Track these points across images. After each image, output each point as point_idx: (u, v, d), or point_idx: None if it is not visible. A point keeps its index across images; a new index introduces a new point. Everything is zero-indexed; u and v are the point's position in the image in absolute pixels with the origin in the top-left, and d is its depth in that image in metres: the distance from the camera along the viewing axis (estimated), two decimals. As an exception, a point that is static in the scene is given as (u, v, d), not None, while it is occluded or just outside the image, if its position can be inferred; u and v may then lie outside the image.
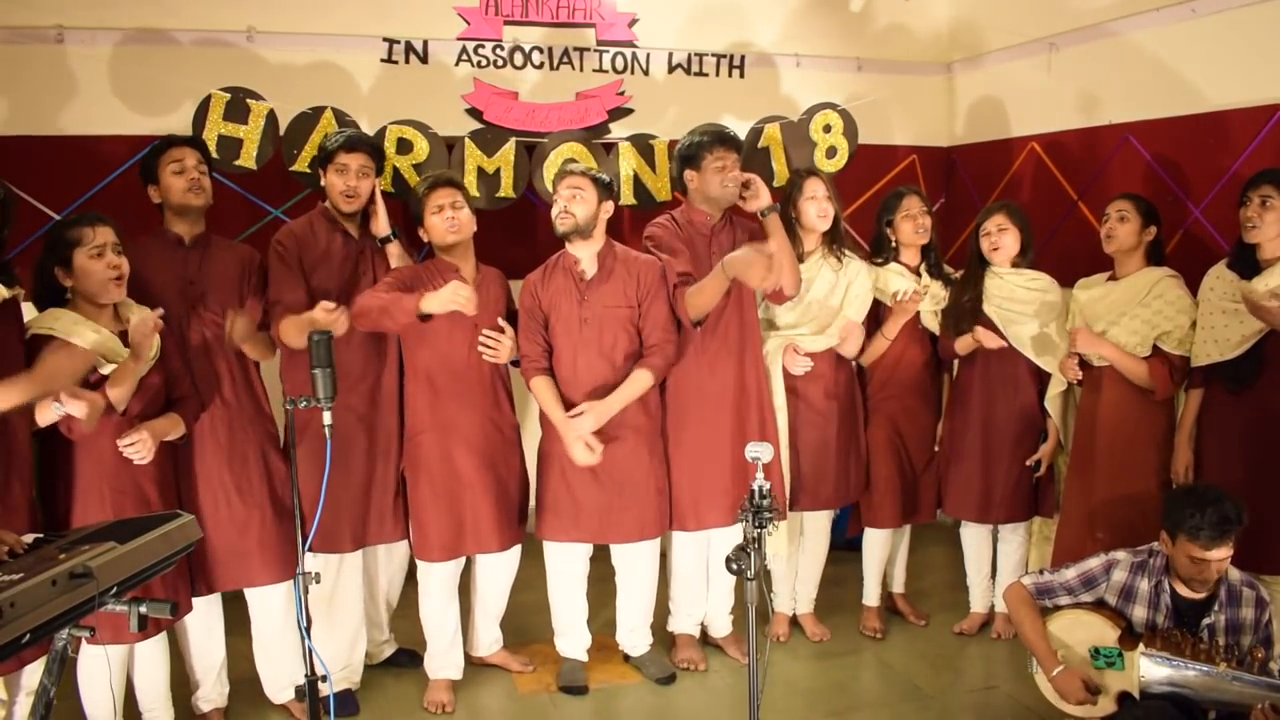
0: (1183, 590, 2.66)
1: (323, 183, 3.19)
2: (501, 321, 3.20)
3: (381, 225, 3.23)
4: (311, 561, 3.06)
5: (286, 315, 2.99)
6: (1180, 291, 3.20)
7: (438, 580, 3.24)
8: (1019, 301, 3.51)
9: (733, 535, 3.47)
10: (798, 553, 3.74)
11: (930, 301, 3.64)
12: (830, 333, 3.52)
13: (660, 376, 3.25)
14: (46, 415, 2.48)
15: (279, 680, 3.16)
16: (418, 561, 3.27)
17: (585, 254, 3.24)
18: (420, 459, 3.16)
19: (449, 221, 3.11)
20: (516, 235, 4.16)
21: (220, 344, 2.96)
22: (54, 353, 2.35)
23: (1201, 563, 2.53)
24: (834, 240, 3.56)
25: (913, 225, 3.61)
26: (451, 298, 2.93)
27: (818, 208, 3.49)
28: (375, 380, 3.18)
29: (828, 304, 3.53)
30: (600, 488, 3.24)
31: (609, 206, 3.25)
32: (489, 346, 3.15)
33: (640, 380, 3.20)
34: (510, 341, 3.19)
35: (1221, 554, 2.53)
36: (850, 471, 3.65)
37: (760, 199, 3.30)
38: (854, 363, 3.68)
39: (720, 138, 3.34)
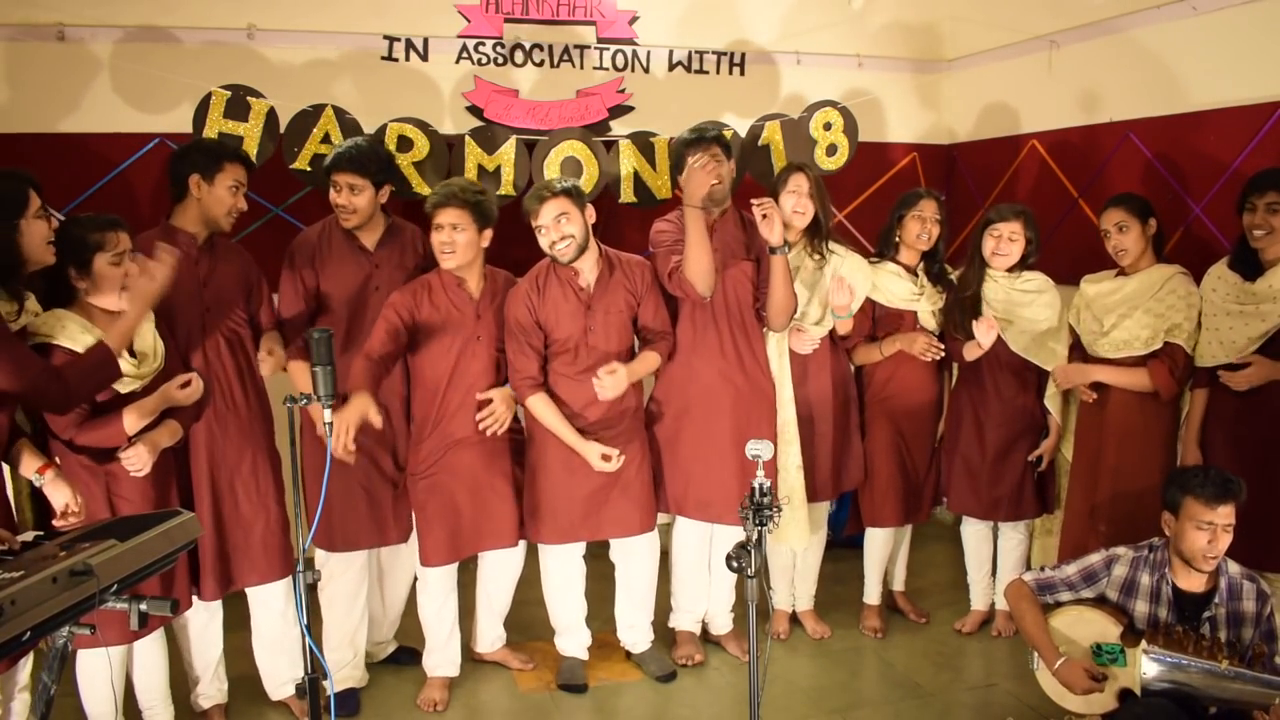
0: (1183, 583, 2.67)
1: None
2: (480, 396, 3.15)
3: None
4: (325, 559, 3.08)
5: (291, 353, 3.08)
6: (1190, 288, 3.19)
7: (436, 577, 3.24)
8: (1015, 304, 3.51)
9: (737, 531, 3.48)
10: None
11: (928, 303, 3.63)
12: (826, 324, 3.51)
13: (664, 361, 3.31)
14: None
15: (278, 676, 3.16)
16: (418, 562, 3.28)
17: (586, 264, 3.21)
18: (425, 465, 3.15)
19: (445, 246, 3.04)
20: (517, 234, 4.15)
21: (230, 345, 2.97)
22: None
23: (1209, 527, 2.54)
24: (815, 236, 3.52)
25: (919, 227, 3.59)
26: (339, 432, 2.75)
27: (794, 203, 3.45)
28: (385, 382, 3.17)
29: (815, 297, 3.51)
30: (588, 484, 3.23)
31: (592, 215, 3.21)
32: (491, 420, 3.13)
33: (650, 359, 3.26)
34: (504, 404, 3.17)
35: (1226, 516, 2.54)
36: (845, 462, 3.65)
37: (772, 235, 3.17)
38: (849, 358, 3.69)
39: (696, 139, 3.30)
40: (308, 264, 3.14)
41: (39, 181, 2.43)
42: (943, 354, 3.58)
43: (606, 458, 3.15)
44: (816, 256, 3.52)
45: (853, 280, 3.52)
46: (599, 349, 3.20)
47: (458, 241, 3.04)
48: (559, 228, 3.10)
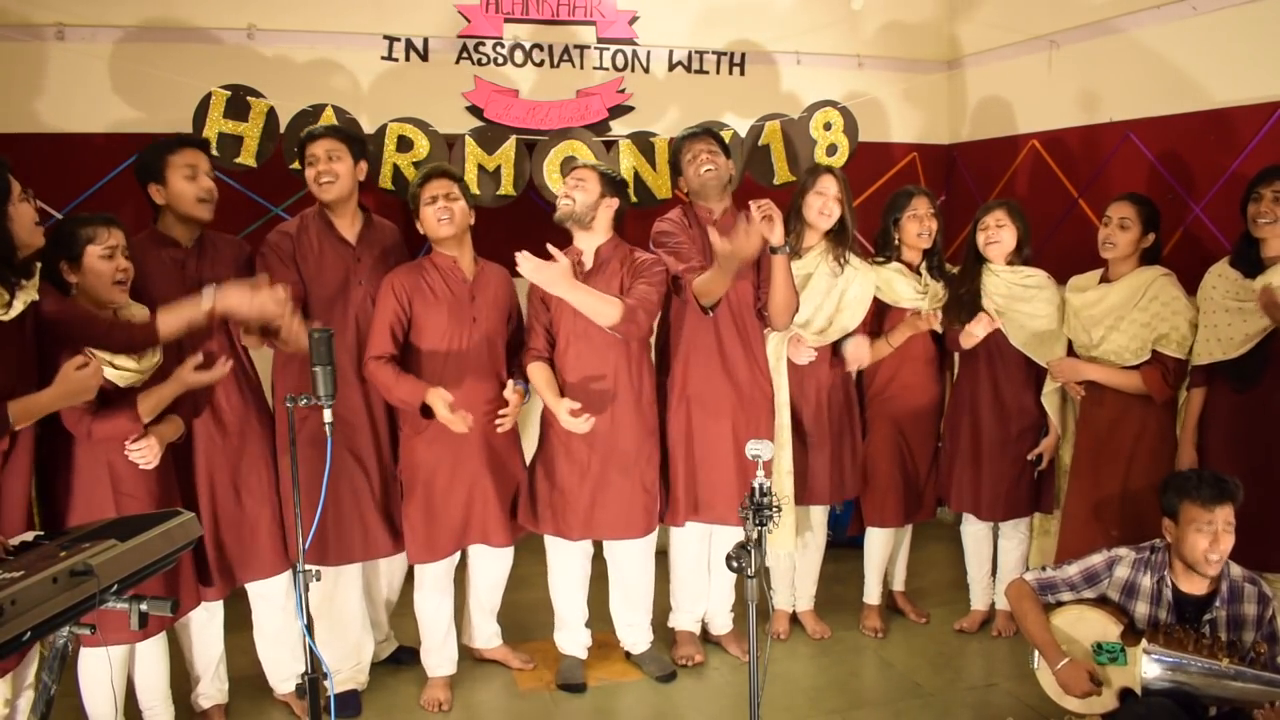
0: (1184, 585, 2.66)
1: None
2: (508, 392, 3.17)
3: None
4: (326, 575, 3.07)
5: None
6: (1176, 291, 3.19)
7: (432, 576, 3.24)
8: (1016, 299, 3.51)
9: (737, 531, 3.48)
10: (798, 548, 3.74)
11: (931, 301, 3.64)
12: (829, 335, 3.51)
13: (627, 323, 3.06)
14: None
15: (281, 671, 3.17)
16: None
17: (586, 246, 3.26)
18: (417, 459, 3.15)
19: (441, 211, 3.09)
20: (517, 233, 4.15)
21: (227, 343, 2.95)
22: (73, 369, 2.38)
23: (1209, 529, 2.54)
24: (839, 242, 3.53)
25: (918, 226, 3.60)
26: (449, 418, 2.96)
27: (820, 204, 3.47)
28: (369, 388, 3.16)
29: (823, 307, 3.52)
30: (591, 484, 3.23)
31: (612, 202, 3.24)
32: (505, 419, 3.16)
33: (612, 301, 3.07)
34: (515, 407, 3.19)
35: (1225, 516, 2.54)
36: (846, 467, 3.65)
37: (773, 235, 3.10)
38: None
39: (692, 134, 3.40)
40: (286, 260, 3.07)
41: (11, 164, 2.38)
42: (940, 324, 3.61)
43: (575, 414, 3.11)
44: (836, 265, 3.52)
45: (861, 295, 3.53)
46: (581, 331, 3.19)
47: (453, 207, 3.11)
48: (570, 188, 3.24)
